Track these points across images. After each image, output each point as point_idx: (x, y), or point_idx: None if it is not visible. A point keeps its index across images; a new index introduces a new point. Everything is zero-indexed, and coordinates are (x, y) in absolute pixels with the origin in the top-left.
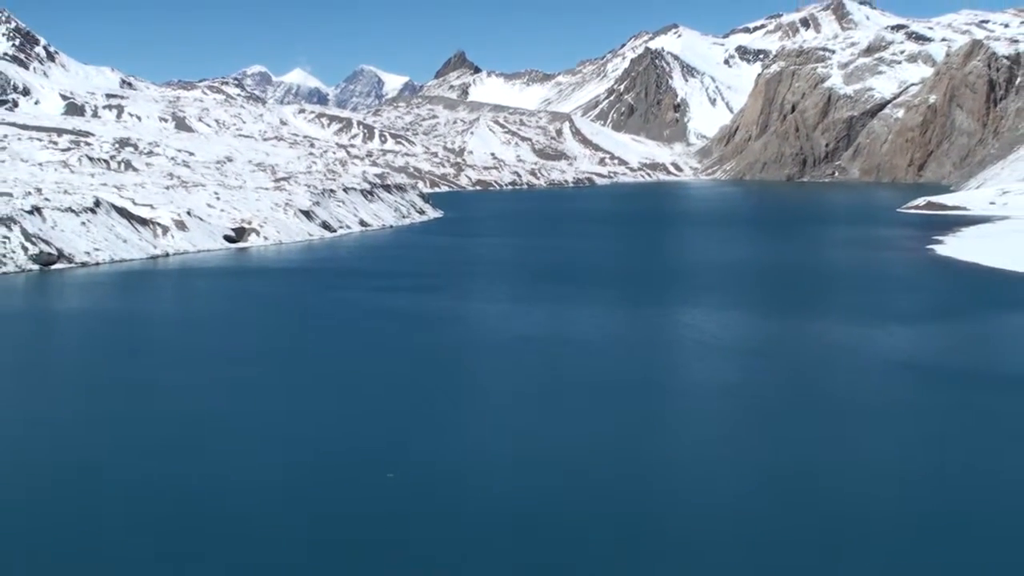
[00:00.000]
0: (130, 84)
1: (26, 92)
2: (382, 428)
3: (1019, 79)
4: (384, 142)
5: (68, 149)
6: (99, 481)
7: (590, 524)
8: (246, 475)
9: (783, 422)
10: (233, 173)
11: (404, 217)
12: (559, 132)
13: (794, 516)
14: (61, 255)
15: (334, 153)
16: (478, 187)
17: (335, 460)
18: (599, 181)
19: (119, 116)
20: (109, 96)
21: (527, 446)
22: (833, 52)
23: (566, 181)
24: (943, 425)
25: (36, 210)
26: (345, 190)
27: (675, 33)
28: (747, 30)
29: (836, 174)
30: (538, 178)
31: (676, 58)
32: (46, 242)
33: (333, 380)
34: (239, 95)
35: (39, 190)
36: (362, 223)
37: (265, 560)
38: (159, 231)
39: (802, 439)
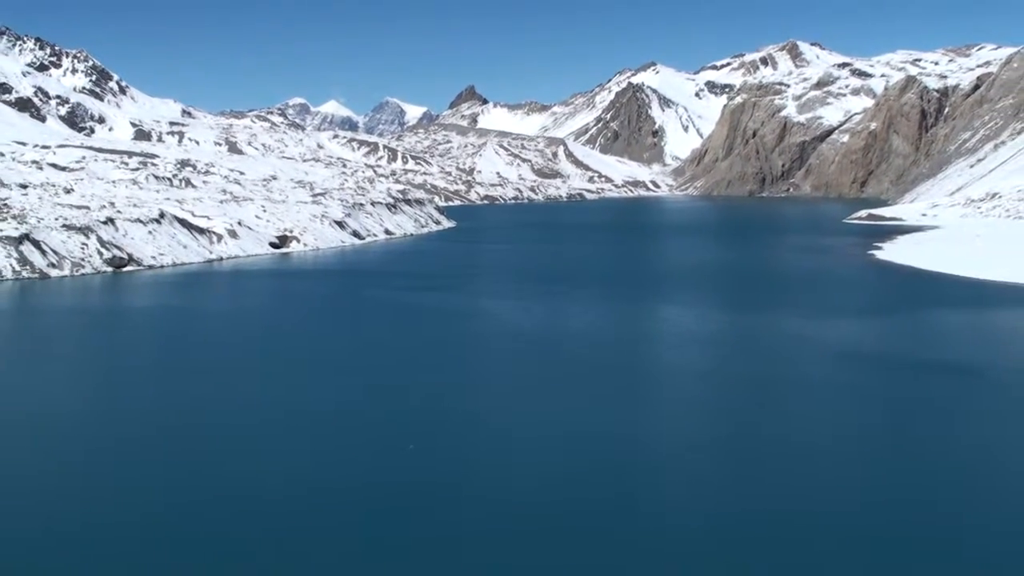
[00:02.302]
0: (190, 113)
1: (101, 120)
2: (404, 405)
3: (947, 109)
4: (406, 163)
5: (137, 169)
6: (186, 425)
7: (582, 486)
8: (287, 436)
9: (746, 399)
10: (277, 189)
11: (423, 227)
12: (555, 154)
13: (753, 475)
14: (131, 259)
15: (363, 172)
16: (485, 201)
17: (363, 430)
18: (589, 196)
19: (180, 141)
20: (172, 124)
21: (526, 420)
22: (788, 86)
23: (561, 196)
24: (880, 402)
25: (110, 221)
26: (372, 204)
27: (653, 70)
28: (715, 67)
29: (790, 190)
30: (537, 194)
31: (654, 91)
32: (118, 248)
33: (364, 364)
34: (282, 123)
35: (112, 204)
36: (387, 232)
37: (294, 509)
38: (214, 238)
39: (758, 416)
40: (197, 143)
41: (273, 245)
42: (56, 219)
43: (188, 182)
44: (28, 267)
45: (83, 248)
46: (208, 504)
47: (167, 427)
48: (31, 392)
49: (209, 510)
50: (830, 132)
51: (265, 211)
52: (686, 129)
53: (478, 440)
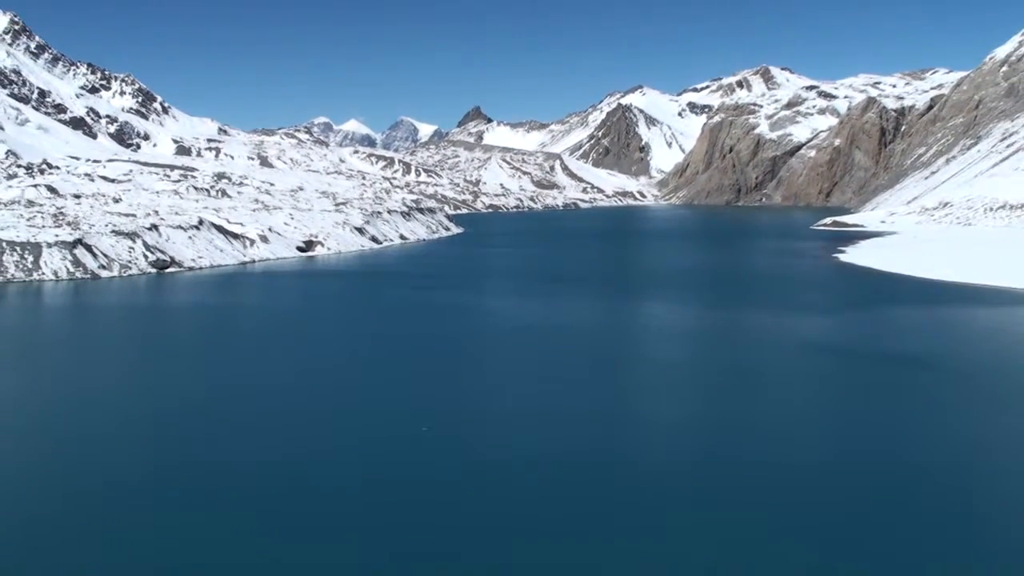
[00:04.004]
0: (225, 131)
1: (146, 137)
2: (419, 390)
3: (904, 127)
4: (419, 175)
5: (178, 181)
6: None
7: (575, 457)
8: (316, 412)
9: (721, 385)
10: (304, 199)
11: (434, 233)
12: (552, 168)
13: (727, 450)
14: (173, 261)
15: (380, 184)
16: (490, 210)
17: (383, 411)
18: (582, 205)
19: (217, 156)
20: (209, 140)
21: (526, 401)
22: (761, 107)
23: (557, 205)
24: (839, 387)
25: (154, 227)
26: (389, 212)
27: (640, 92)
28: (695, 90)
29: (763, 200)
30: (536, 203)
31: (641, 111)
32: (162, 251)
33: (384, 353)
34: (308, 139)
35: (156, 212)
36: (402, 237)
37: (315, 474)
38: (247, 243)
39: (733, 397)
40: (232, 158)
41: (300, 249)
42: (106, 225)
43: (224, 193)
44: (81, 268)
45: (130, 251)
46: (247, 459)
47: (211, 401)
48: (102, 374)
49: (249, 465)
50: (799, 148)
51: (293, 219)
52: (670, 145)
53: (486, 419)
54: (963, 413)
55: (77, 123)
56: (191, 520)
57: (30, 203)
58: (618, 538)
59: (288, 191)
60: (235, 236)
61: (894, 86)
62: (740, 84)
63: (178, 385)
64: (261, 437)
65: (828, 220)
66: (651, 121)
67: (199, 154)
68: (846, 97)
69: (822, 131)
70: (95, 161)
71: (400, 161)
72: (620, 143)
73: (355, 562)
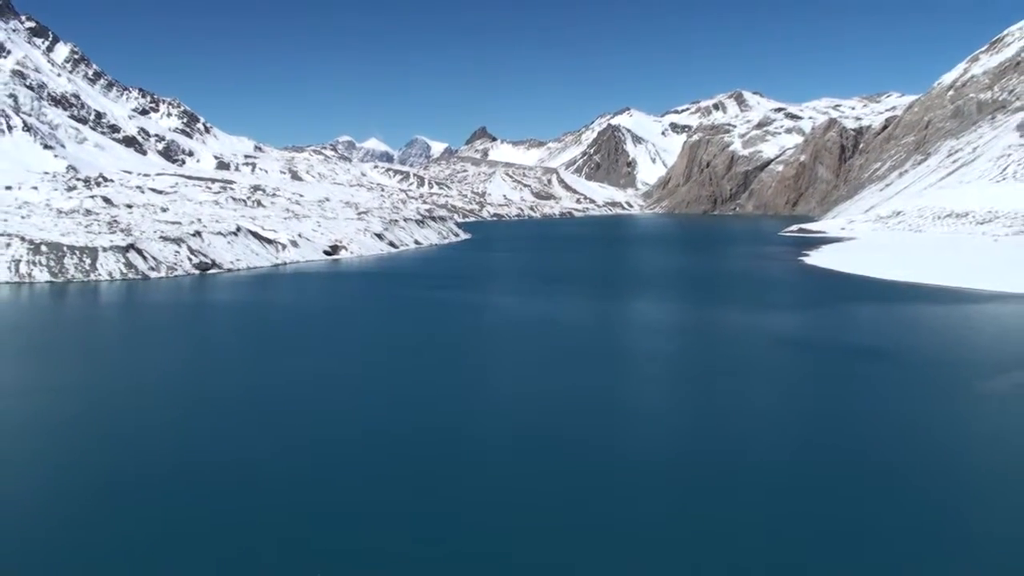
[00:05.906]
0: (260, 148)
1: (190, 154)
2: (429, 381)
3: (862, 145)
4: (431, 188)
5: (218, 192)
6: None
7: (570, 442)
8: (327, 404)
9: (700, 375)
10: (329, 209)
11: (444, 238)
12: (549, 181)
13: (701, 434)
14: (214, 263)
15: (397, 195)
16: (494, 218)
17: (396, 396)
18: (576, 214)
19: (253, 170)
20: (246, 157)
21: (527, 387)
22: (735, 126)
23: (554, 214)
24: (806, 378)
25: (197, 233)
26: (405, 220)
27: (628, 113)
28: (677, 111)
29: (737, 209)
30: (535, 212)
31: (628, 130)
32: (204, 255)
33: (401, 345)
34: (333, 156)
35: (199, 220)
36: (416, 242)
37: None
38: (280, 247)
39: (710, 386)
40: (266, 172)
41: (326, 253)
42: (155, 232)
43: (259, 203)
44: (133, 270)
45: (176, 255)
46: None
47: (250, 385)
48: (152, 362)
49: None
50: (768, 163)
51: (320, 226)
52: (654, 161)
53: (488, 406)
54: (910, 398)
55: (129, 141)
56: (196, 518)
57: (88, 212)
58: (591, 524)
59: (316, 201)
60: (269, 241)
61: (853, 108)
62: (716, 106)
63: (211, 377)
64: (268, 426)
65: (794, 227)
66: (637, 139)
67: (237, 169)
68: (810, 118)
69: (789, 148)
70: (145, 175)
71: (415, 175)
72: (610, 159)
73: (357, 553)
